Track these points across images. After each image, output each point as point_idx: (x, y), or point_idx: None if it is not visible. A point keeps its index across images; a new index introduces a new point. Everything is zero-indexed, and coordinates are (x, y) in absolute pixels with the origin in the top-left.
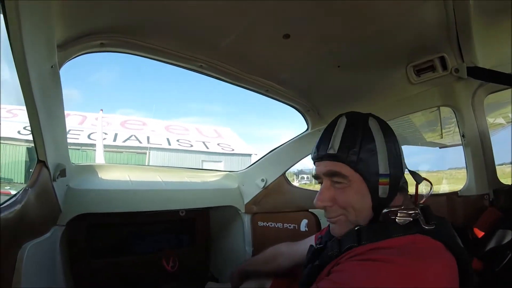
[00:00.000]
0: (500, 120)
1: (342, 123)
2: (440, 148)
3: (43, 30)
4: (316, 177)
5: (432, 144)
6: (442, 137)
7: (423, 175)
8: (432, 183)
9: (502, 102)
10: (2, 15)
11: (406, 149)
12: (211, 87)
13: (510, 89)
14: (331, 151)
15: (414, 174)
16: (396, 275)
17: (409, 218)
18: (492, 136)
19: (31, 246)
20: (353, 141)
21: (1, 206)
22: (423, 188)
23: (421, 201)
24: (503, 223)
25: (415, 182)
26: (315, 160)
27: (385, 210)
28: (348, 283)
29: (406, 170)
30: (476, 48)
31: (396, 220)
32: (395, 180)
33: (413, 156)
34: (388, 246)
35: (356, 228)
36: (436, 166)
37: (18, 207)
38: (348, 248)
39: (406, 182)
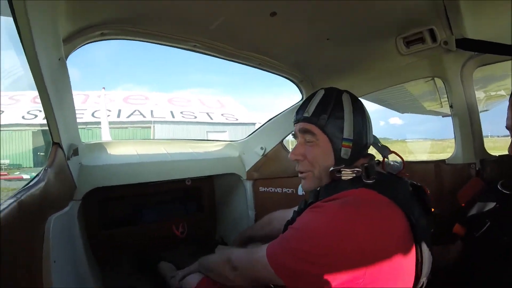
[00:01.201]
0: (502, 92)
1: (320, 95)
2: (442, 117)
3: (50, 27)
4: (294, 135)
5: (434, 113)
6: (442, 106)
7: (428, 143)
8: (402, 157)
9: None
10: (11, 15)
11: (411, 117)
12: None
13: (500, 63)
14: (306, 115)
15: (378, 147)
16: (325, 218)
17: (352, 175)
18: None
19: (55, 218)
20: (325, 109)
21: (29, 184)
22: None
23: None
24: (485, 194)
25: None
26: (295, 122)
27: (331, 169)
28: (297, 225)
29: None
30: (465, 21)
31: (342, 177)
32: (358, 145)
33: (421, 125)
34: (333, 198)
35: (317, 189)
36: (442, 135)
37: (41, 184)
38: (310, 203)
39: (383, 148)
